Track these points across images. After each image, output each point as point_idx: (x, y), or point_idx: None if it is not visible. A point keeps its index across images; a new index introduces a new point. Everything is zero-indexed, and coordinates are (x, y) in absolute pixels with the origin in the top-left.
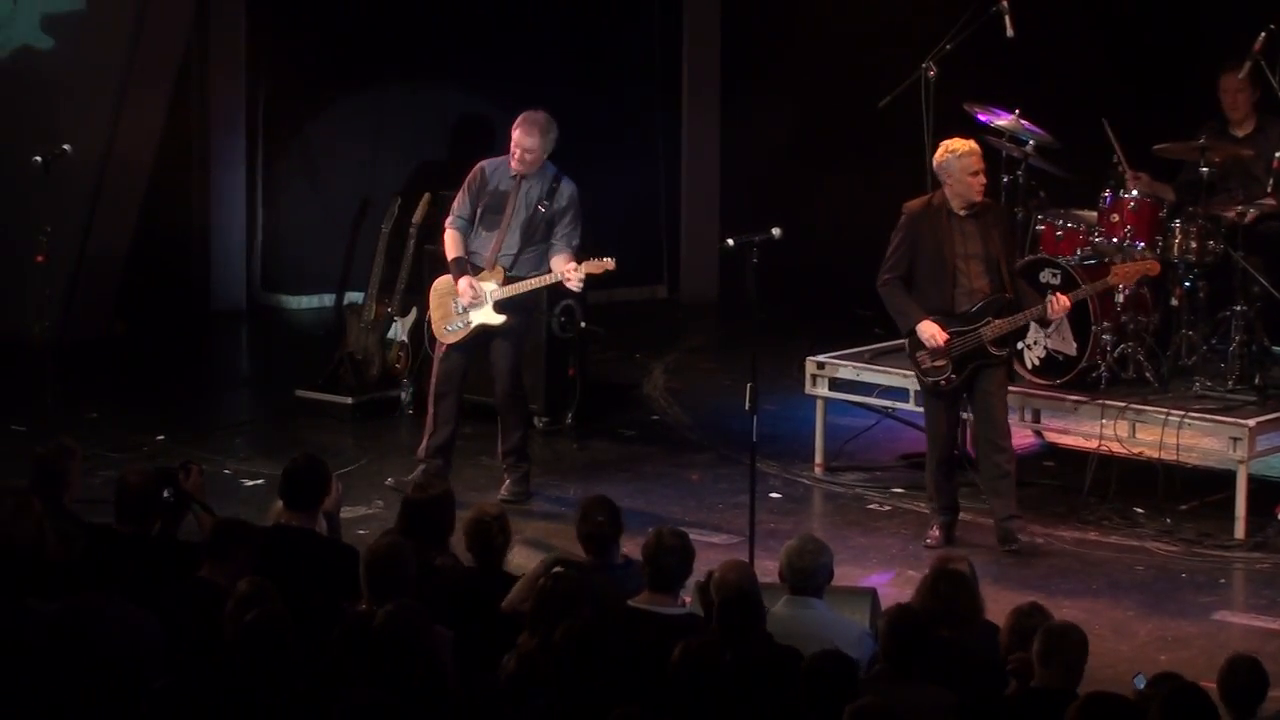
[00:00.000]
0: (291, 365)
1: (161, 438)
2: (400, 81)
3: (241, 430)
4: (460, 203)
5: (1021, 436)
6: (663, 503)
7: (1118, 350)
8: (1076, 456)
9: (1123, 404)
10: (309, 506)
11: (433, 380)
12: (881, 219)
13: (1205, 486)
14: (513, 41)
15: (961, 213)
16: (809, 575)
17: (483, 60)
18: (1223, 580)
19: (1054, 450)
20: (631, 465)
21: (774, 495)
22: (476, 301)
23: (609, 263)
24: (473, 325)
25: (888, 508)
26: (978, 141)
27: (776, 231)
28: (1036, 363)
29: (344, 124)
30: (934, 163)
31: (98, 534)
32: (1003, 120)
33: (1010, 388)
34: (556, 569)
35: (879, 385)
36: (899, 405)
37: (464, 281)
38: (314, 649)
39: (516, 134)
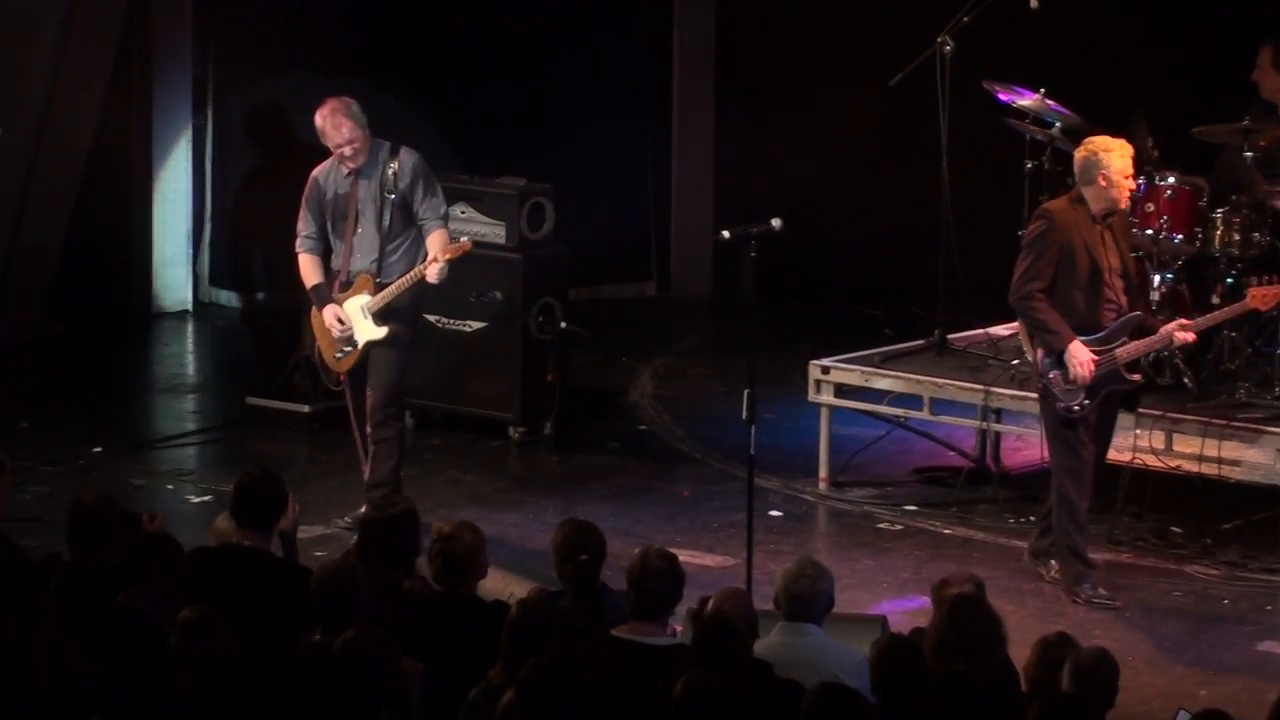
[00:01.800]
0: (242, 369)
1: (99, 450)
2: (363, 70)
3: (187, 442)
4: (303, 221)
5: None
6: (650, 521)
7: (1153, 353)
8: (1107, 471)
9: (1158, 413)
10: (263, 526)
11: (351, 412)
12: (893, 209)
13: (1250, 504)
14: (486, 25)
15: (1100, 218)
16: (806, 603)
17: (452, 45)
18: (1269, 607)
19: None
20: (616, 480)
21: (774, 513)
22: (347, 329)
23: (466, 244)
24: (360, 345)
25: (899, 527)
26: (998, 124)
27: (777, 222)
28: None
29: (301, 108)
30: (1079, 161)
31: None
32: (1026, 100)
33: (1033, 394)
34: (524, 597)
35: (889, 392)
36: (911, 414)
37: (328, 313)
38: (269, 684)
39: (329, 133)
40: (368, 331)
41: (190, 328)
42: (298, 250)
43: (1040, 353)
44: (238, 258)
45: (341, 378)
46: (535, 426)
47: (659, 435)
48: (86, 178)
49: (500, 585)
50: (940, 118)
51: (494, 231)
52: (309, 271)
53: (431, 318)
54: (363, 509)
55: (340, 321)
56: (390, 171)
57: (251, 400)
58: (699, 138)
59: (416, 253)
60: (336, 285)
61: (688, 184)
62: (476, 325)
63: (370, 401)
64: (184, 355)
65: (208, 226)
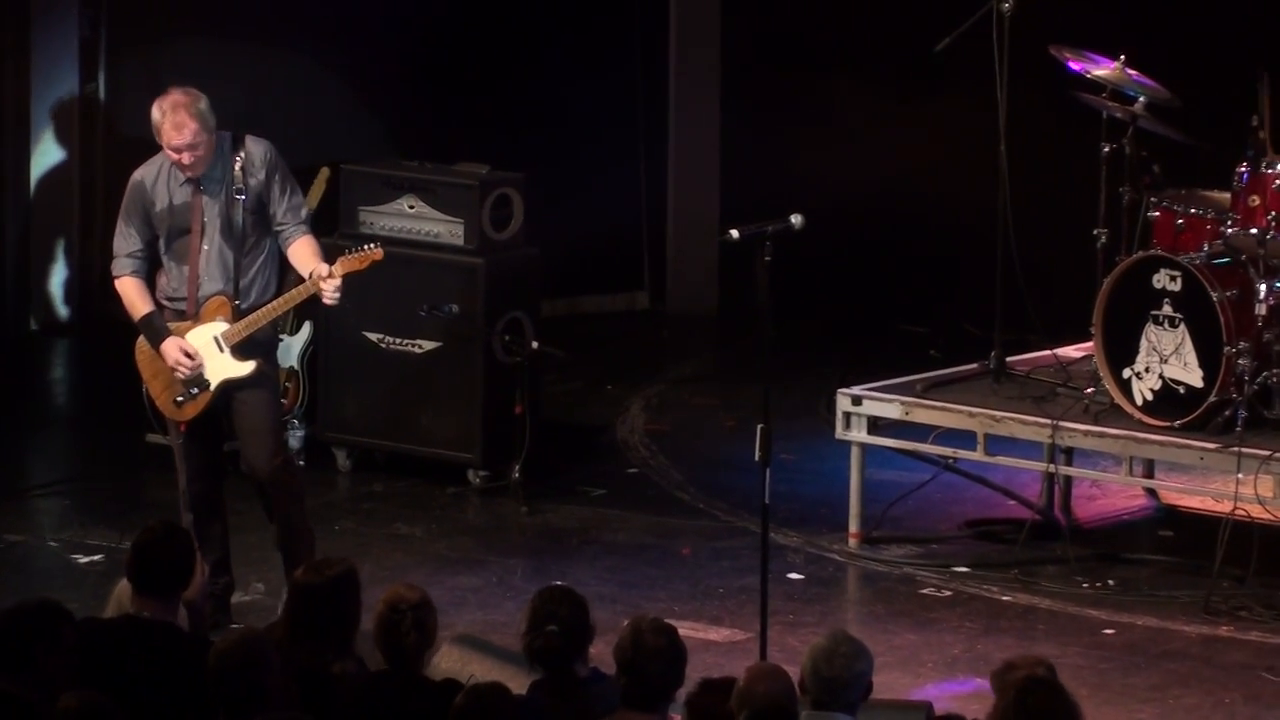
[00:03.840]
0: (138, 401)
1: None
2: (288, 31)
3: (72, 489)
4: (123, 236)
5: (1129, 496)
6: (643, 586)
7: (1259, 379)
8: (1203, 523)
9: (1266, 452)
10: (166, 592)
11: (180, 480)
12: (938, 204)
13: None
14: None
15: None
16: (840, 688)
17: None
18: None
19: (1172, 514)
20: (600, 535)
21: (793, 576)
22: (196, 365)
23: (376, 252)
24: (214, 387)
25: (947, 593)
26: (1069, 97)
27: (797, 219)
28: (1149, 396)
29: (218, 74)
30: None
31: None
32: (1102, 69)
33: (1112, 430)
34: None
35: (935, 427)
36: (962, 454)
37: (170, 347)
38: None
39: (167, 133)
40: (225, 368)
41: (73, 348)
42: (117, 273)
43: None
44: None
45: (182, 428)
46: (500, 470)
47: (653, 480)
48: None
49: (457, 665)
50: (997, 92)
51: (450, 230)
52: (135, 299)
53: (373, 336)
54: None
55: (189, 356)
56: (237, 168)
57: (152, 438)
58: (701, 120)
59: (274, 268)
60: (170, 315)
61: (687, 175)
62: (428, 345)
63: (252, 459)
64: (65, 382)
65: (98, 223)
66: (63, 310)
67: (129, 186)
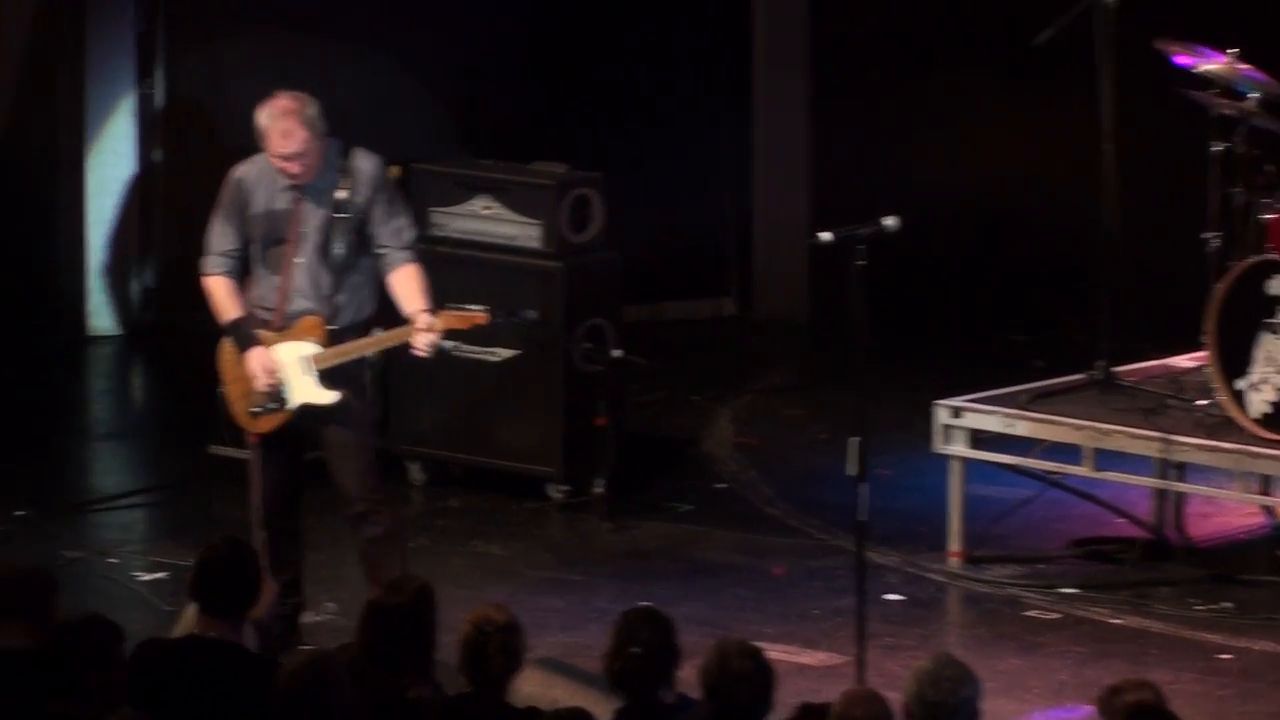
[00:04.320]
0: (204, 409)
1: (22, 513)
2: (359, 27)
3: (134, 503)
4: (218, 234)
5: (1245, 514)
6: (732, 607)
7: None
8: None
9: None
10: (232, 611)
11: (253, 494)
12: (1041, 207)
13: None
14: None
15: None
16: (947, 714)
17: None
18: None
19: None
20: (687, 553)
21: (891, 597)
22: (277, 383)
23: (480, 316)
24: (290, 407)
25: (1054, 615)
26: (1177, 93)
27: (892, 221)
28: (1267, 409)
29: (281, 72)
30: None
31: None
32: (1211, 64)
33: (1226, 444)
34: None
35: (1040, 441)
36: (1068, 469)
37: (255, 359)
38: None
39: (275, 142)
40: (309, 392)
41: (136, 356)
42: (208, 272)
43: None
44: (194, 268)
45: (252, 438)
46: (582, 484)
47: (742, 496)
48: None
49: (540, 690)
50: (1101, 89)
51: (526, 233)
52: (224, 301)
53: (447, 344)
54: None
55: (270, 372)
56: (343, 181)
57: (216, 449)
58: (790, 116)
59: (369, 293)
60: (256, 331)
61: (776, 174)
62: (506, 354)
63: (343, 490)
64: (128, 391)
65: (157, 227)
66: (122, 316)
67: (228, 183)
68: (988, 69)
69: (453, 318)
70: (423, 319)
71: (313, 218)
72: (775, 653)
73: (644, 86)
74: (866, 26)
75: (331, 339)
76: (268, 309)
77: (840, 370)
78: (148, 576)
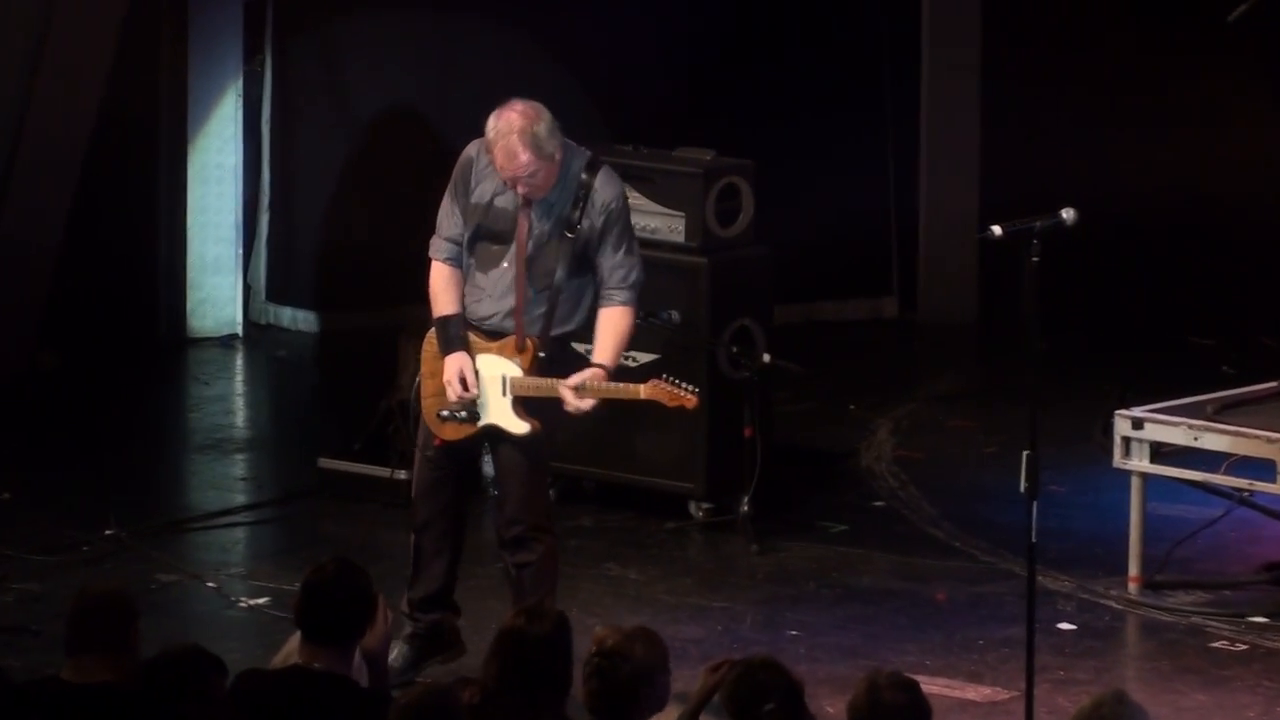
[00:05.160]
0: (312, 418)
1: (111, 532)
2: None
3: (235, 521)
4: (446, 215)
5: None
6: (889, 637)
7: None
8: None
9: None
10: (340, 640)
11: (413, 490)
12: (1229, 200)
13: None
14: None
15: None
16: None
17: None
18: None
19: None
20: (841, 578)
21: (1064, 626)
22: (469, 398)
23: (691, 399)
24: (481, 424)
25: (1242, 646)
26: None
27: (1069, 214)
28: None
29: (400, 49)
30: None
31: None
32: None
33: None
34: None
35: (1229, 455)
36: (1260, 486)
37: (452, 366)
38: None
39: (499, 160)
40: (501, 415)
41: (240, 359)
42: (433, 255)
43: None
44: (307, 262)
45: (437, 442)
46: (727, 502)
47: (902, 515)
48: (93, 154)
49: None
50: None
51: (670, 225)
52: (444, 293)
53: (580, 348)
54: (398, 650)
55: (464, 384)
56: (577, 203)
57: (325, 463)
58: (958, 102)
59: (584, 318)
60: (463, 338)
61: (943, 164)
62: (644, 358)
63: (504, 510)
64: (231, 398)
65: (264, 219)
66: (225, 318)
67: (460, 160)
68: (1173, 51)
69: (661, 390)
70: (586, 375)
71: (536, 229)
72: (935, 687)
73: (799, 68)
74: (1042, 6)
75: (538, 366)
76: (482, 314)
77: (1011, 377)
78: (249, 602)
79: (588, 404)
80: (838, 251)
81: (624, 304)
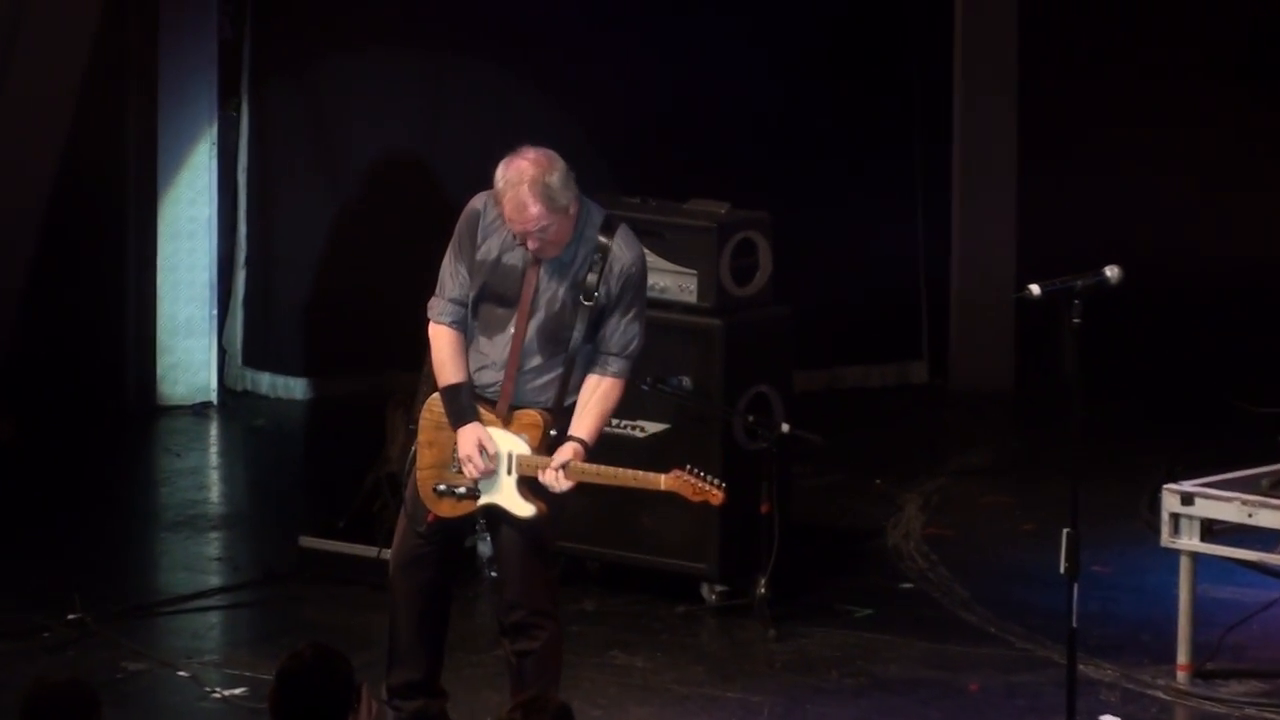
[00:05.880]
0: (293, 493)
1: (75, 617)
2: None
3: (208, 604)
4: (451, 275)
5: None
6: None
7: None
8: None
9: None
10: None
11: (391, 563)
12: None
13: None
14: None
15: None
16: None
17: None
18: None
19: None
20: (867, 666)
21: (1108, 718)
22: (487, 472)
23: (716, 494)
24: (481, 502)
25: None
26: None
27: (1113, 272)
28: None
29: (391, 92)
30: None
31: None
32: None
33: None
34: None
35: None
36: None
37: (469, 439)
38: None
39: (507, 212)
40: (503, 493)
41: (214, 429)
42: (434, 318)
43: None
44: (287, 324)
45: (429, 519)
46: (742, 584)
47: (932, 598)
48: (54, 207)
49: None
50: None
51: (681, 284)
52: (448, 359)
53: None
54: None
55: (482, 456)
56: (595, 266)
57: (306, 541)
58: (994, 155)
59: (574, 387)
60: (474, 406)
61: (977, 220)
62: (653, 428)
63: (505, 594)
64: (205, 471)
65: (241, 276)
66: (198, 384)
67: (465, 213)
68: (1225, 105)
69: (685, 483)
70: (567, 453)
71: (546, 290)
72: None
73: (820, 116)
74: (1084, 48)
75: (548, 444)
76: (486, 380)
77: (1049, 449)
78: (224, 692)
79: (566, 485)
80: (863, 312)
81: (616, 375)
